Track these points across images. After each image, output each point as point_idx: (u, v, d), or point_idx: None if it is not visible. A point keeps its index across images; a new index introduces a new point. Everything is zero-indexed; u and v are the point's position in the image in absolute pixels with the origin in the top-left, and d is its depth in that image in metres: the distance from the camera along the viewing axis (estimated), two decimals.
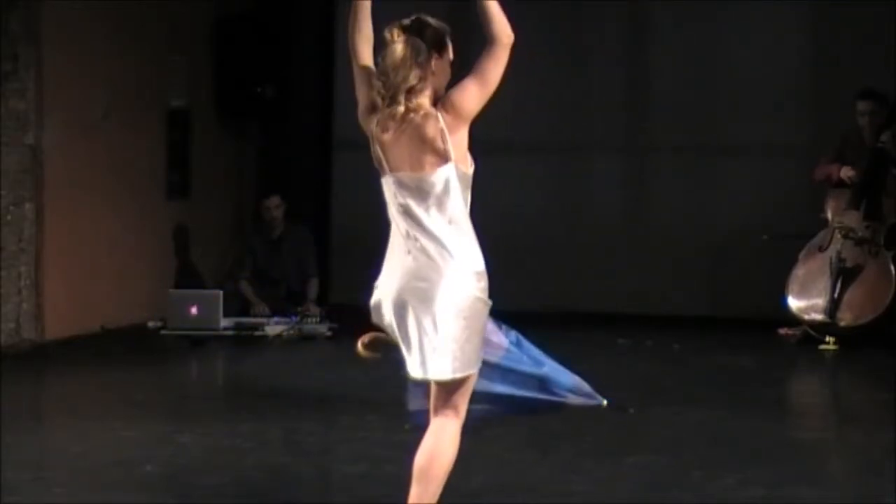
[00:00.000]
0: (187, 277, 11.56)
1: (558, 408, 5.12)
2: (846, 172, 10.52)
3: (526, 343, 5.10)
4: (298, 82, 12.36)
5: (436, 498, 4.88)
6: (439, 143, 4.84)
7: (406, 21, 4.92)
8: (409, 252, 4.86)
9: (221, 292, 10.71)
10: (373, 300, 4.95)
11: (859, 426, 7.81)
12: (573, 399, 5.10)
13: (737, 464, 6.57)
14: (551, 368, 5.11)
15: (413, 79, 4.84)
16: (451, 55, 4.99)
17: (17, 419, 7.50)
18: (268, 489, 6.16)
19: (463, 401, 4.91)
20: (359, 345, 5.24)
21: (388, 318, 4.89)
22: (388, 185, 4.92)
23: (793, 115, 11.86)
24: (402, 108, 4.82)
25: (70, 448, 6.95)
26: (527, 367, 5.08)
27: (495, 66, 4.92)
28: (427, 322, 4.80)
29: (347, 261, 12.10)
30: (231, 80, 12.00)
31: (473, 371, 4.88)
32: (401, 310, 4.84)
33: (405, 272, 4.85)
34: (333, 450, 7.03)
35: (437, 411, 4.91)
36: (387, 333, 5.03)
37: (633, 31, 12.36)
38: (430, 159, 4.85)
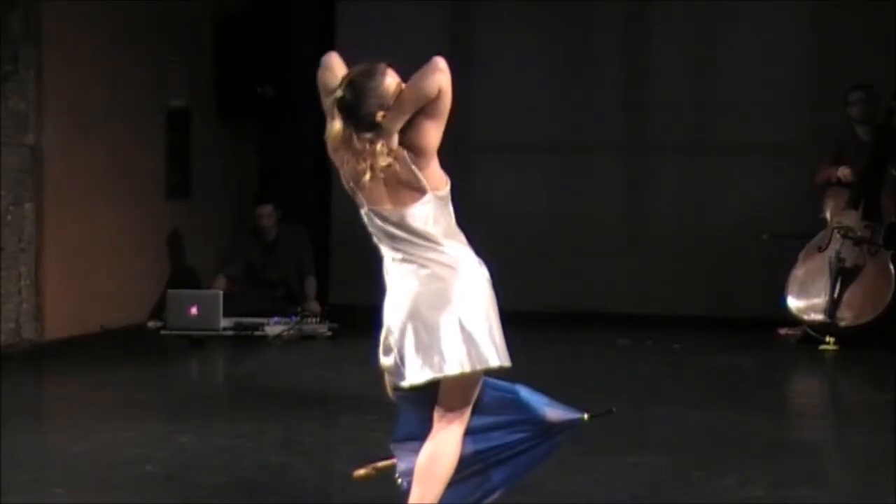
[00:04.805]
0: (181, 284, 11.42)
1: (547, 443, 5.11)
2: (843, 172, 10.54)
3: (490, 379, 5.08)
4: (298, 82, 12.35)
5: (437, 499, 4.87)
6: (414, 183, 4.83)
7: (339, 93, 4.85)
8: (412, 264, 4.83)
9: (221, 292, 10.72)
10: (382, 336, 4.89)
11: (859, 426, 7.81)
12: (551, 413, 5.08)
13: (737, 464, 6.57)
14: (522, 387, 5.12)
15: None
16: (399, 88, 4.87)
17: (17, 419, 7.49)
18: (268, 489, 6.15)
19: (468, 406, 4.90)
20: (358, 472, 5.32)
21: (397, 336, 4.82)
22: (368, 217, 4.90)
23: (793, 115, 11.88)
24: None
25: (70, 448, 6.94)
26: (501, 390, 5.07)
27: (444, 98, 4.82)
28: (450, 318, 4.77)
29: (347, 260, 12.12)
30: (231, 80, 12.01)
31: (509, 364, 4.85)
32: (415, 320, 4.78)
33: (416, 281, 4.81)
34: (333, 450, 7.03)
35: (441, 416, 4.89)
36: (380, 466, 5.17)
37: (633, 31, 12.37)
38: (408, 195, 4.83)
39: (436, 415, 4.90)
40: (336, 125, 4.82)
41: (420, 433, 4.95)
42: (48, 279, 10.18)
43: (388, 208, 4.85)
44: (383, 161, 4.77)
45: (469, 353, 4.77)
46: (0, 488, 5.92)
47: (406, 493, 4.95)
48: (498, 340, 4.84)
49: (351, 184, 4.88)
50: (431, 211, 4.86)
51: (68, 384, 8.99)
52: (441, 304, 4.78)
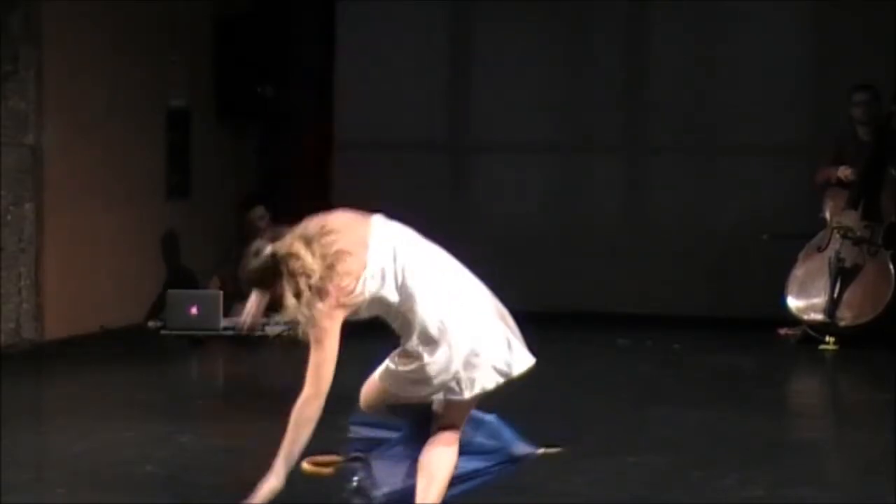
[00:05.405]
0: (177, 285, 11.38)
1: (502, 471, 5.24)
2: (843, 172, 10.54)
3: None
4: (298, 82, 12.36)
5: (440, 499, 5.01)
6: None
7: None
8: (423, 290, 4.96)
9: (221, 292, 10.71)
10: (413, 366, 5.00)
11: (859, 426, 7.81)
12: (518, 448, 5.22)
13: (737, 464, 6.57)
14: (496, 417, 5.24)
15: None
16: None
17: (17, 419, 7.49)
18: None
19: (467, 416, 5.09)
20: (308, 467, 5.43)
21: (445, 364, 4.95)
22: (392, 274, 4.94)
23: (793, 115, 11.87)
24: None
25: (70, 448, 6.95)
26: (477, 415, 5.21)
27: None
28: (495, 328, 4.99)
29: None
30: (231, 80, 12.00)
31: None
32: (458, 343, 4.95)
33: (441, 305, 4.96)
34: (333, 450, 7.02)
35: (444, 426, 5.06)
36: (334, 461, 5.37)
37: (633, 31, 12.37)
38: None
39: (439, 424, 5.05)
40: (289, 300, 5.05)
41: (405, 450, 5.13)
42: (48, 279, 10.18)
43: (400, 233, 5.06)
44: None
45: (520, 353, 5.02)
46: (0, 488, 5.92)
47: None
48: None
49: (358, 297, 4.95)
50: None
51: (68, 384, 8.99)
52: (479, 319, 4.96)
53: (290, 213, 12.13)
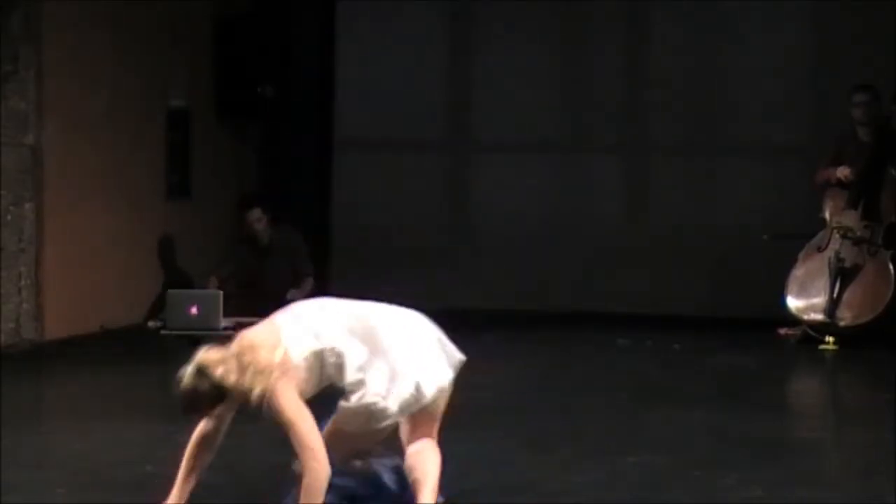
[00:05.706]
0: (175, 287, 11.35)
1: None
2: (843, 171, 10.54)
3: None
4: (298, 82, 12.36)
5: (435, 498, 5.09)
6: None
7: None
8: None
9: (221, 292, 10.70)
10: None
11: (859, 426, 7.81)
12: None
13: (737, 464, 6.57)
14: None
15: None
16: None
17: (17, 419, 7.49)
18: (268, 489, 6.15)
19: (437, 426, 5.28)
20: None
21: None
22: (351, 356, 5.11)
23: (793, 115, 11.88)
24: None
25: (70, 448, 6.95)
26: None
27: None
28: (426, 339, 5.19)
29: (348, 261, 12.11)
30: (231, 80, 12.01)
31: None
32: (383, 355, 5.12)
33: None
34: None
35: (422, 436, 5.20)
36: None
37: (633, 31, 12.38)
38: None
39: (417, 435, 5.21)
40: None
41: None
42: (48, 279, 10.18)
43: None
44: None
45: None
46: (0, 488, 5.92)
47: None
48: None
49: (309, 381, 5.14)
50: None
51: (68, 384, 8.99)
52: (404, 329, 5.17)
53: (290, 213, 12.21)
